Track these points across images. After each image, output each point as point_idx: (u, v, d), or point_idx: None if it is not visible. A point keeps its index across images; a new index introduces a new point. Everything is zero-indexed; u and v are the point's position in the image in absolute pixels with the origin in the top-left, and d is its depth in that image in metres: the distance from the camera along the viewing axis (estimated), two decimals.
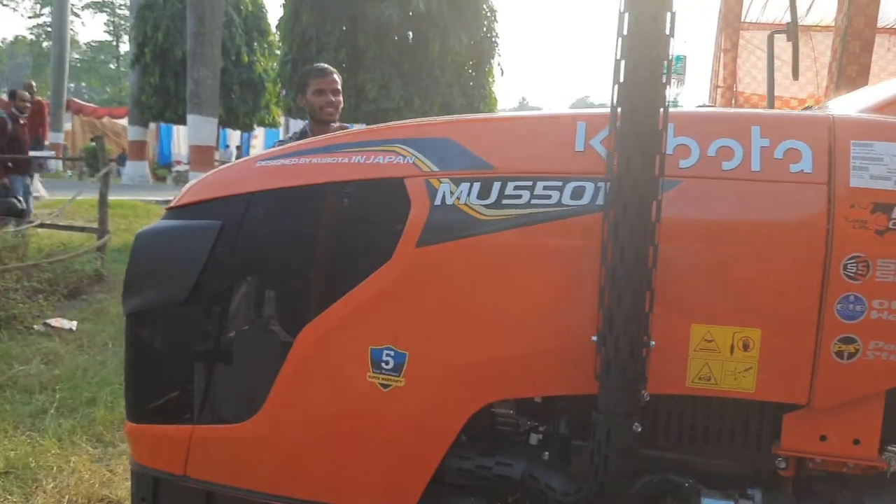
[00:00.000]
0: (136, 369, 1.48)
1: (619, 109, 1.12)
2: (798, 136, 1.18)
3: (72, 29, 37.42)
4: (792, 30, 1.73)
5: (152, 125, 19.41)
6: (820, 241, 1.14)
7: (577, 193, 1.21)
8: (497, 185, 1.24)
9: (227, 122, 17.84)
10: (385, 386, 1.27)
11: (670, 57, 1.11)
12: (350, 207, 1.33)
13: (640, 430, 1.16)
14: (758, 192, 1.18)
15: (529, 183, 1.23)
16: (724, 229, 1.19)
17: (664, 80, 1.10)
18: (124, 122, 21.01)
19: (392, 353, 1.26)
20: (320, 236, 1.35)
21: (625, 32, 1.11)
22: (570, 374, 1.21)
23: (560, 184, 1.22)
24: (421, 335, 1.27)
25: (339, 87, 3.05)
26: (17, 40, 49.71)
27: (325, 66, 3.11)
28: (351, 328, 1.29)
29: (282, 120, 17.62)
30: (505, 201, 1.23)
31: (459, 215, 1.24)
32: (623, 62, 1.11)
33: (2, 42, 53.61)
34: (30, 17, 39.86)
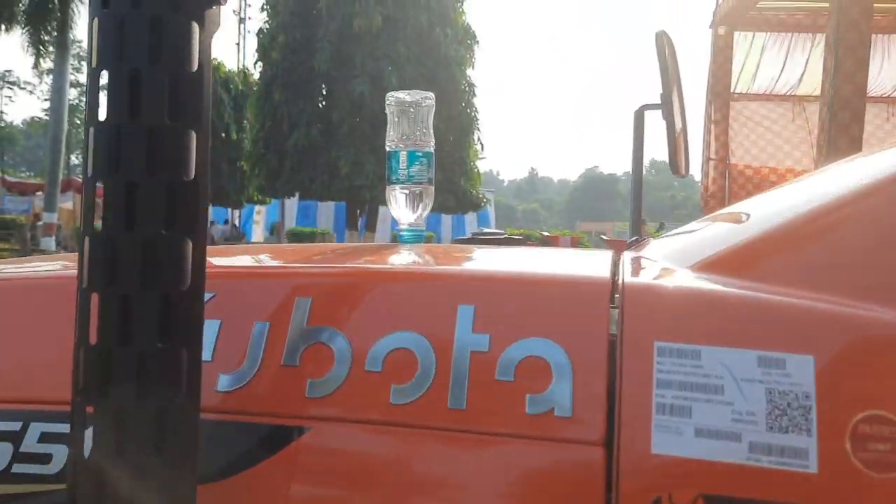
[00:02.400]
0: None
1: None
2: (545, 329, 0.55)
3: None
4: (665, 106, 1.12)
5: None
6: None
7: (42, 458, 0.58)
8: None
9: (216, 199, 17.50)
10: None
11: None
12: None
13: None
14: (454, 457, 0.54)
15: None
16: None
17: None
18: None
19: None
20: None
21: None
22: None
23: (18, 427, 0.59)
24: None
25: None
26: (34, 122, 50.65)
27: None
28: None
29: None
30: None
31: None
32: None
33: (21, 123, 54.94)
34: (45, 100, 40.69)
